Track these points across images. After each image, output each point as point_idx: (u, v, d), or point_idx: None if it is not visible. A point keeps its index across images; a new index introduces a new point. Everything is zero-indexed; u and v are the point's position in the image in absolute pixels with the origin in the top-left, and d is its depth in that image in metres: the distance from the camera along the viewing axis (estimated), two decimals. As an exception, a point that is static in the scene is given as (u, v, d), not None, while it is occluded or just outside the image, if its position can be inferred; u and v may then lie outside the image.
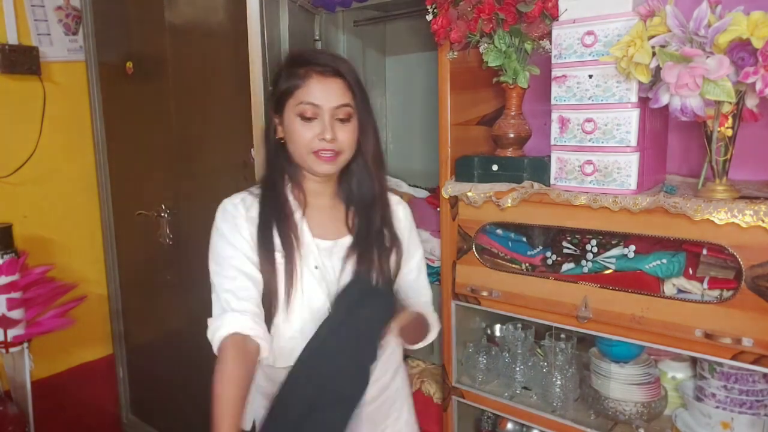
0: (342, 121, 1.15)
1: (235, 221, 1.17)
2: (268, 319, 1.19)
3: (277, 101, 1.18)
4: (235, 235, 1.16)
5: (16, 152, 2.30)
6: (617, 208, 1.20)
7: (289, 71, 1.16)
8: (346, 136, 1.15)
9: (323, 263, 1.19)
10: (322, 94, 1.13)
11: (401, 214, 1.29)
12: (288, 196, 1.21)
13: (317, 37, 1.84)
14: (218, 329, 1.09)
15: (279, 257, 1.16)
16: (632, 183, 1.21)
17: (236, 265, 1.14)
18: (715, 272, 1.18)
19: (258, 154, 1.59)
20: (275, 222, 1.18)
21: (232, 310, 1.10)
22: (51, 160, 2.41)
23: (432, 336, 1.32)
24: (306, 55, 1.18)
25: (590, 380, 1.42)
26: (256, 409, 1.28)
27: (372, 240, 1.20)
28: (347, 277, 1.18)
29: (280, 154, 1.22)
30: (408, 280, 1.29)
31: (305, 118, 1.13)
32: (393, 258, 1.24)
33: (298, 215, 1.20)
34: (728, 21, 0.99)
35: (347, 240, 1.22)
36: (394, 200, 1.30)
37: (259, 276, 1.16)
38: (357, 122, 1.17)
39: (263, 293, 1.16)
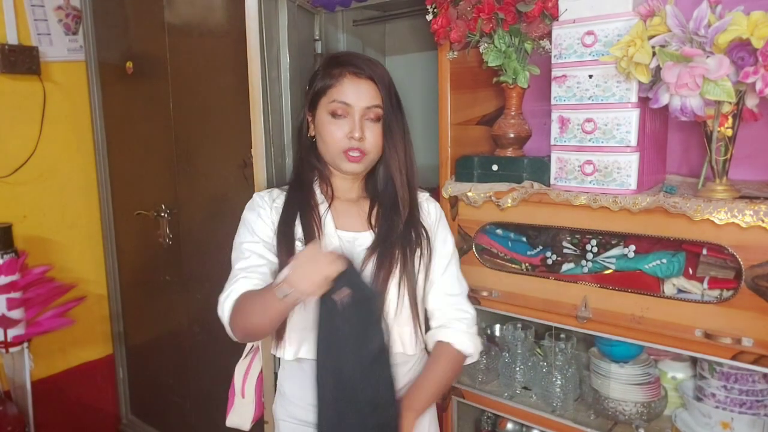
0: (371, 121, 1.18)
1: (259, 210, 1.23)
2: None
3: (311, 100, 1.22)
4: (256, 222, 1.22)
5: (16, 152, 2.30)
6: (617, 208, 1.20)
7: (325, 72, 1.21)
8: (373, 136, 1.19)
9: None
10: (354, 93, 1.17)
11: (432, 210, 1.30)
12: (315, 191, 1.25)
13: (317, 37, 1.84)
14: (227, 298, 1.13)
15: (299, 246, 1.18)
16: (632, 183, 1.21)
17: (252, 249, 1.19)
18: (715, 272, 1.18)
19: (254, 154, 1.59)
20: (299, 212, 1.21)
21: (241, 278, 1.14)
22: (51, 160, 2.41)
23: (470, 356, 1.26)
24: (342, 57, 1.23)
25: (590, 380, 1.41)
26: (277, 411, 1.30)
27: (394, 240, 1.20)
28: (366, 274, 1.18)
29: (310, 152, 1.26)
30: (434, 276, 1.27)
31: (336, 116, 1.17)
32: (419, 254, 1.23)
33: (323, 207, 1.23)
34: (728, 21, 0.99)
35: (368, 236, 1.23)
36: (423, 197, 1.30)
37: (274, 259, 1.19)
38: (384, 127, 1.19)
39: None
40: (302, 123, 1.27)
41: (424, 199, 1.30)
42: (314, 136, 1.24)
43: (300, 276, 0.98)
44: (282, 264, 1.17)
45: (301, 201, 1.23)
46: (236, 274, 1.16)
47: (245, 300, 1.10)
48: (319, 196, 1.25)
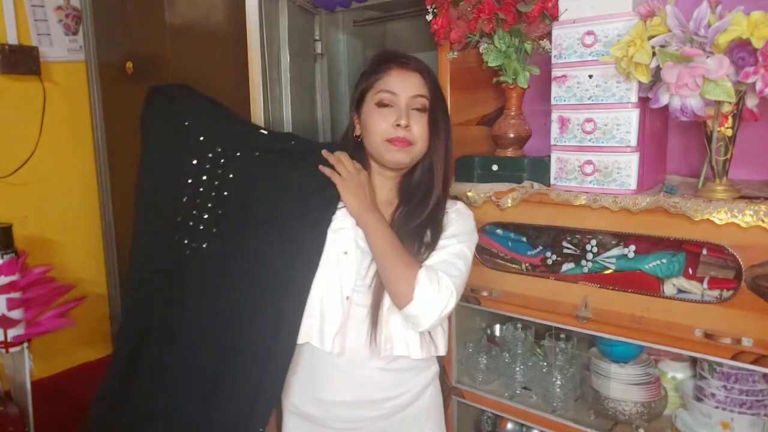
0: (418, 111, 1.17)
1: None
2: None
3: (358, 98, 1.23)
4: None
5: (16, 152, 2.30)
6: (617, 208, 1.20)
7: (371, 69, 1.22)
8: (419, 127, 1.17)
9: (358, 251, 1.17)
10: (401, 83, 1.17)
11: (452, 216, 1.23)
12: None
13: (317, 37, 1.84)
14: None
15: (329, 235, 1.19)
16: (632, 183, 1.21)
17: None
18: (715, 272, 1.18)
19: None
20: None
21: None
22: (51, 160, 2.41)
23: (416, 293, 1.08)
24: (388, 52, 1.24)
25: (590, 380, 1.42)
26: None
27: (407, 231, 1.16)
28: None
29: (355, 152, 1.24)
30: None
31: (382, 105, 1.17)
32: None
33: None
34: (728, 21, 0.99)
35: None
36: (450, 204, 1.25)
37: None
38: (430, 118, 1.18)
39: None
40: (348, 125, 1.27)
41: (453, 209, 1.25)
42: (359, 136, 1.23)
43: None
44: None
45: None
46: None
47: None
48: None
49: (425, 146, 1.20)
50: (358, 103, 1.23)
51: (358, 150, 1.24)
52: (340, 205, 1.20)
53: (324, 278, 1.18)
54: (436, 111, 1.19)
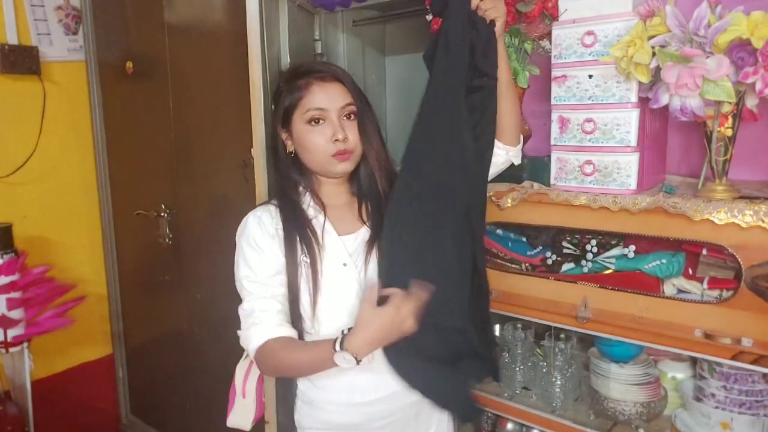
0: (349, 119, 1.21)
1: (259, 244, 1.19)
2: (297, 326, 1.21)
3: (283, 117, 1.23)
4: (256, 260, 1.19)
5: (16, 152, 2.30)
6: (617, 208, 1.20)
7: (289, 86, 1.22)
8: (353, 134, 1.21)
9: (353, 259, 1.21)
10: (327, 97, 1.19)
11: None
12: (305, 205, 1.26)
13: (317, 37, 1.84)
14: (251, 341, 1.16)
15: (305, 260, 1.19)
16: (632, 183, 1.21)
17: (254, 287, 1.18)
18: (714, 272, 1.18)
19: (255, 155, 1.58)
20: (296, 231, 1.21)
21: (259, 320, 1.15)
22: (51, 160, 2.41)
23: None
24: (301, 67, 1.24)
25: (590, 380, 1.42)
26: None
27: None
28: (372, 271, 1.20)
29: (291, 167, 1.27)
30: None
31: (315, 123, 1.19)
32: None
33: (320, 219, 1.24)
34: (728, 21, 0.99)
35: (364, 231, 1.25)
36: None
37: (282, 290, 1.19)
38: (359, 121, 1.22)
39: (291, 301, 1.20)
40: (276, 142, 1.27)
41: None
42: (292, 152, 1.25)
43: (364, 343, 1.06)
44: (292, 284, 1.18)
45: (295, 219, 1.22)
46: (251, 313, 1.17)
47: (285, 351, 1.14)
48: (312, 209, 1.25)
49: (362, 148, 1.24)
50: (284, 120, 1.23)
51: (294, 165, 1.26)
52: (320, 222, 1.24)
53: (327, 297, 1.20)
54: (362, 114, 1.22)
